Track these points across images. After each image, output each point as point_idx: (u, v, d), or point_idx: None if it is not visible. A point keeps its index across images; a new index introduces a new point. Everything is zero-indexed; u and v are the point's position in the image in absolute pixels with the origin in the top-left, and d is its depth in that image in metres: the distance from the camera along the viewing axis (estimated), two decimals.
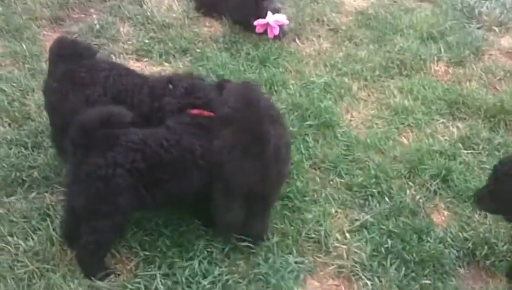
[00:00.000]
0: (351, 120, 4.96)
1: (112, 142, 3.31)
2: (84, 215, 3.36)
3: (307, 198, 4.10)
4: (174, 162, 3.42)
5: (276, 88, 5.18)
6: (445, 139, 4.79)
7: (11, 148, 4.28)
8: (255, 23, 5.87)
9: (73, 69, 3.83)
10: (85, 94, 3.76)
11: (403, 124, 4.95)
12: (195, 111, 3.68)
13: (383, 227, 3.92)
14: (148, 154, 3.34)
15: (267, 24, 5.84)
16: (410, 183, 4.33)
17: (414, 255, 3.74)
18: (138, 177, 3.32)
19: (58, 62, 3.90)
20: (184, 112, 3.68)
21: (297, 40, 6.04)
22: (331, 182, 4.29)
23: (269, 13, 5.84)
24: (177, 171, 3.44)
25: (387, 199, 4.14)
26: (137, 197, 3.36)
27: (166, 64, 5.45)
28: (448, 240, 3.89)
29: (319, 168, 4.40)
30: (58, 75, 3.86)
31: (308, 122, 4.77)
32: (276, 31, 5.85)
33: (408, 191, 4.24)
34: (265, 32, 5.90)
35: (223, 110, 3.54)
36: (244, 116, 3.46)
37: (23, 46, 5.46)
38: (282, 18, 5.91)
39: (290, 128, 4.61)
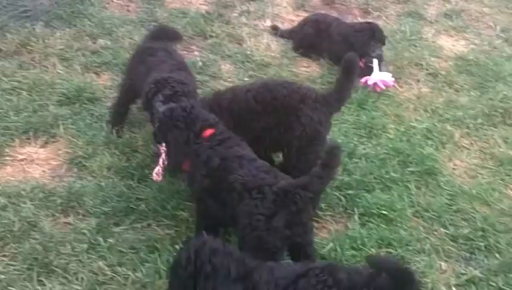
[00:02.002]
0: (454, 169, 4.86)
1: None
2: None
3: (410, 247, 4.01)
4: None
5: (375, 132, 5.14)
6: None
7: (119, 179, 4.40)
8: (362, 80, 5.73)
9: None
10: None
11: (509, 175, 4.81)
12: (207, 134, 3.74)
13: (493, 284, 3.78)
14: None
15: (373, 83, 5.74)
16: None
17: None
18: None
19: None
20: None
21: (395, 83, 5.99)
22: (435, 232, 4.19)
23: (375, 70, 5.75)
24: None
25: (496, 254, 4.00)
26: None
27: None
28: None
29: (421, 217, 4.31)
30: None
31: (410, 169, 4.70)
32: (381, 88, 5.75)
33: None
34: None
35: None
36: None
37: None
38: (388, 78, 5.77)
39: (392, 173, 4.57)
